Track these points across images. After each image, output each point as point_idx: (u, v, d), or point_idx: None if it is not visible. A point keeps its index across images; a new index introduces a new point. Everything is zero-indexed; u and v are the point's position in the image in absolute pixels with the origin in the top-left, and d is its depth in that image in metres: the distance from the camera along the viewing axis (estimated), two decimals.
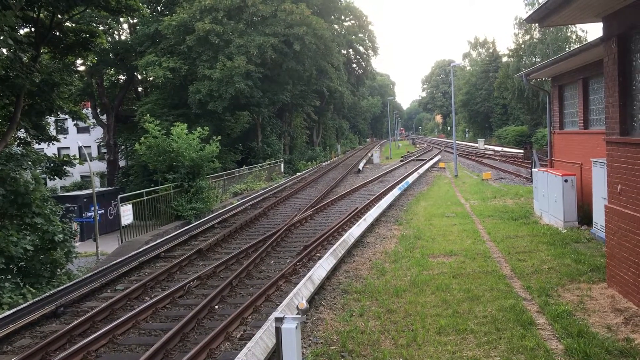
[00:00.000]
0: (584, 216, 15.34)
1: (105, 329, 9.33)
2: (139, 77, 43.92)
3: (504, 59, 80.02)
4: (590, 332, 7.79)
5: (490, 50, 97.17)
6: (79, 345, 8.63)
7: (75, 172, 42.41)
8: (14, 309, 10.65)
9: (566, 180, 15.16)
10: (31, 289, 13.68)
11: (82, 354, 8.54)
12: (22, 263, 14.45)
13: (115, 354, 8.75)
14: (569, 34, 58.31)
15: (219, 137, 25.86)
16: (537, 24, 13.55)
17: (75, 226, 22.00)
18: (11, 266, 13.94)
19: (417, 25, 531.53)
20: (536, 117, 63.80)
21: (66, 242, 16.03)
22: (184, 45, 36.54)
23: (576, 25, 54.31)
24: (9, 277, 13.30)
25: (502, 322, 8.45)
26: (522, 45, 64.51)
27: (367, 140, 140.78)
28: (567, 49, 49.69)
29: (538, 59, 56.45)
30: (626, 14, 8.75)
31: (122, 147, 45.63)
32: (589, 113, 16.01)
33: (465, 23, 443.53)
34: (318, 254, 14.21)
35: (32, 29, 17.92)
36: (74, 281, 12.90)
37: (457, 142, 48.86)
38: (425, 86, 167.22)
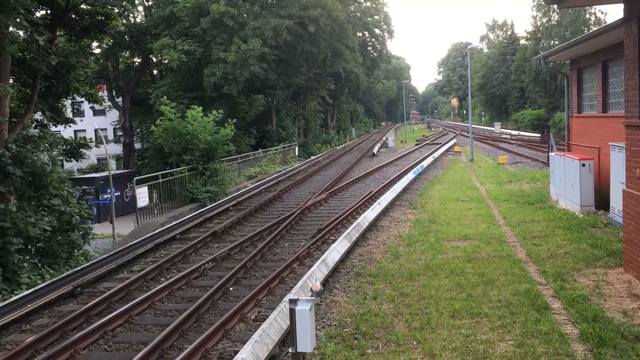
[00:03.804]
0: (601, 201, 15.18)
1: (122, 309, 9.45)
2: (154, 60, 43.96)
3: (522, 42, 78.90)
4: (605, 317, 7.74)
5: (508, 33, 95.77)
6: (96, 325, 8.75)
7: (92, 155, 42.74)
8: (33, 289, 10.81)
9: (584, 165, 14.99)
10: (49, 269, 13.85)
11: (99, 333, 8.66)
12: (40, 244, 14.61)
13: (132, 334, 8.86)
14: (587, 16, 57.28)
15: (234, 120, 25.86)
16: (555, 5, 13.30)
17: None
18: (29, 247, 14.11)
19: (433, 7, 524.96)
20: (554, 101, 63.00)
21: (83, 223, 16.19)
22: (198, 28, 36.40)
23: (595, 6, 53.33)
24: (27, 257, 13.46)
25: (517, 306, 8.42)
26: (540, 28, 63.51)
27: (382, 124, 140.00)
28: (585, 32, 48.89)
29: (556, 42, 55.55)
30: None
31: (138, 129, 45.84)
32: (608, 96, 15.76)
33: (483, 5, 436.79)
34: (332, 237, 14.22)
35: (48, 11, 17.96)
36: (91, 262, 13.05)
37: (473, 125, 48.46)
38: (441, 69, 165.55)
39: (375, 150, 45.63)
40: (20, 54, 15.21)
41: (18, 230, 13.12)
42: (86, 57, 19.62)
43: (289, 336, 6.95)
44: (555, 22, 60.67)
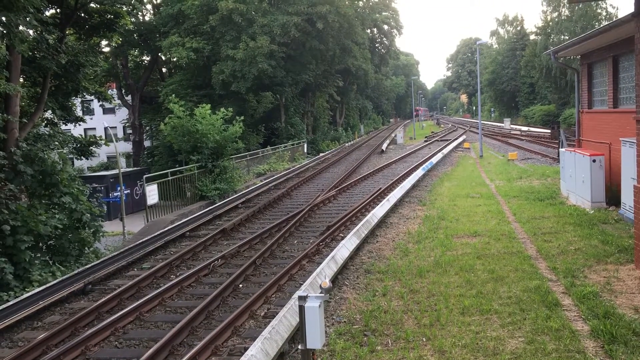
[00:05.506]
0: (612, 197, 15.06)
1: (132, 306, 9.50)
2: (163, 58, 44.10)
3: (532, 37, 78.40)
4: (617, 313, 7.68)
5: (518, 28, 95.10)
6: (107, 322, 8.81)
7: (102, 153, 43.02)
8: (44, 286, 10.89)
9: (594, 160, 14.87)
10: (60, 266, 13.95)
11: (110, 330, 8.72)
12: (51, 241, 14.72)
13: (142, 331, 8.91)
14: (598, 11, 56.82)
15: (242, 118, 25.88)
16: (566, 0, 13.20)
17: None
18: (40, 244, 14.22)
19: (442, 3, 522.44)
20: (564, 96, 62.59)
21: (94, 221, 16.29)
22: (207, 26, 36.46)
23: (606, 0, 52.92)
24: (39, 255, 13.58)
25: (527, 302, 8.38)
26: (550, 23, 63.11)
27: (391, 120, 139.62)
28: (596, 26, 48.46)
29: (566, 37, 55.16)
30: None
31: (147, 127, 46.02)
32: (619, 91, 15.63)
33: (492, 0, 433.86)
34: (341, 234, 14.22)
35: (58, 10, 18.08)
36: (102, 259, 13.13)
37: (482, 122, 48.22)
38: (450, 65, 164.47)
39: (384, 147, 45.53)
40: (30, 53, 15.31)
41: (29, 228, 13.23)
42: (95, 55, 19.72)
43: (298, 333, 6.96)
44: (565, 17, 60.25)
